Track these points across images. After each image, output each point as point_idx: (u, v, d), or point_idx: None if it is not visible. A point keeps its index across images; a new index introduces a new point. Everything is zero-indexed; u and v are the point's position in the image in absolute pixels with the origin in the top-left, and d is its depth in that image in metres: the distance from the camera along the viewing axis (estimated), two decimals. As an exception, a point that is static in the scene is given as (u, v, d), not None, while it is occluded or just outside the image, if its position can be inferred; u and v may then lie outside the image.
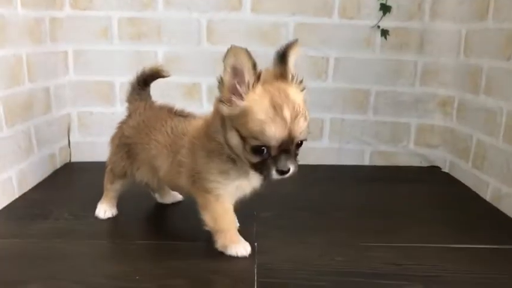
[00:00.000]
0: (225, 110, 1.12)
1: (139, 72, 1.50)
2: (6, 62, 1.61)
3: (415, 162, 2.11)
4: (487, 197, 1.70)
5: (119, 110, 2.04)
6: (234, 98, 1.10)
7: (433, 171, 2.06)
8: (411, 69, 2.03)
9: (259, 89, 1.10)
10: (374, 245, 1.36)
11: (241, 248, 1.29)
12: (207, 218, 1.27)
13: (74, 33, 1.98)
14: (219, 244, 1.29)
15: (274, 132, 1.07)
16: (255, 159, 1.12)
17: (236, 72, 1.10)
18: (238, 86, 1.09)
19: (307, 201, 1.70)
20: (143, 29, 2.00)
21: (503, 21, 1.66)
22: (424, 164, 2.10)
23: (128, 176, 1.47)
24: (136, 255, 1.29)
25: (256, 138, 1.08)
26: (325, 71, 2.04)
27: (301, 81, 1.15)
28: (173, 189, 1.61)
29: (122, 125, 1.49)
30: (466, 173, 1.87)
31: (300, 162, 1.14)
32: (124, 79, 1.97)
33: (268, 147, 1.09)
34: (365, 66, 2.03)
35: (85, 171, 1.97)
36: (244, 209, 1.55)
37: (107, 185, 1.52)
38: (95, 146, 2.06)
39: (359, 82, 2.04)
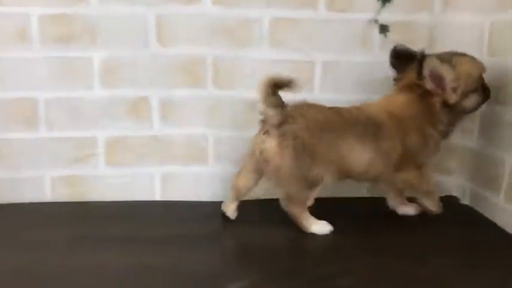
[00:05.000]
0: (454, 97, 1.37)
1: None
2: None
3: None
4: (532, 245, 1.28)
5: (45, 135, 1.58)
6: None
7: (449, 202, 1.61)
8: (419, 74, 1.60)
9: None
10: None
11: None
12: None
13: (-20, 37, 1.50)
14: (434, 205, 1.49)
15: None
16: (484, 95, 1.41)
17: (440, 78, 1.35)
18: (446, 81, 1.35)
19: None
20: (73, 30, 1.53)
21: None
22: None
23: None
24: None
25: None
26: (311, 79, 1.60)
27: None
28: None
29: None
30: (496, 208, 1.45)
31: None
32: (50, 95, 1.54)
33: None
34: (361, 72, 1.59)
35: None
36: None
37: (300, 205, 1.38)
38: (16, 183, 1.59)
39: (354, 92, 1.59)
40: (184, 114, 1.61)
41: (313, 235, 1.37)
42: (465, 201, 1.62)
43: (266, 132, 1.34)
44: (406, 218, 1.51)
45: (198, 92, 1.59)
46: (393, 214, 1.54)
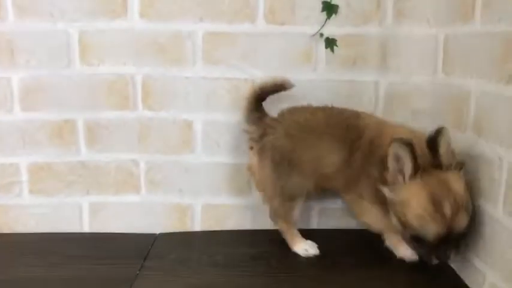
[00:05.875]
0: (387, 192, 1.14)
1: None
2: None
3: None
4: (484, 294, 1.10)
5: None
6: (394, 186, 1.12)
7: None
8: (370, 93, 1.44)
9: (417, 181, 1.09)
10: None
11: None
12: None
13: None
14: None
15: (433, 230, 1.07)
16: (413, 245, 1.16)
17: (398, 160, 1.10)
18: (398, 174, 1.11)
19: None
20: (-12, 47, 1.42)
21: (498, 22, 1.07)
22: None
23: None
24: None
25: (414, 230, 1.10)
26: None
27: (460, 168, 1.11)
28: None
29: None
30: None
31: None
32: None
33: (427, 240, 1.10)
34: (305, 91, 1.42)
35: None
36: None
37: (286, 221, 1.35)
38: None
39: (298, 113, 1.44)
40: (113, 138, 1.47)
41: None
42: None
43: (251, 148, 1.35)
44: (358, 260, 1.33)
45: (128, 114, 1.46)
46: (348, 253, 1.37)
